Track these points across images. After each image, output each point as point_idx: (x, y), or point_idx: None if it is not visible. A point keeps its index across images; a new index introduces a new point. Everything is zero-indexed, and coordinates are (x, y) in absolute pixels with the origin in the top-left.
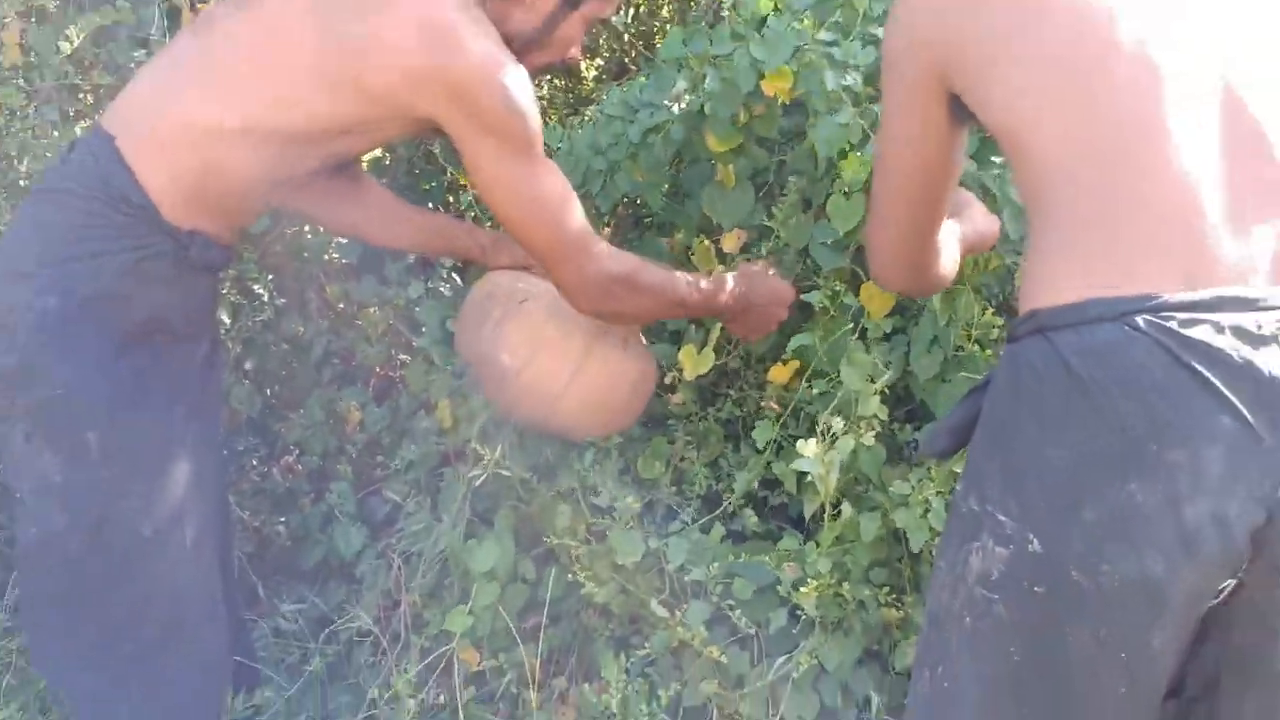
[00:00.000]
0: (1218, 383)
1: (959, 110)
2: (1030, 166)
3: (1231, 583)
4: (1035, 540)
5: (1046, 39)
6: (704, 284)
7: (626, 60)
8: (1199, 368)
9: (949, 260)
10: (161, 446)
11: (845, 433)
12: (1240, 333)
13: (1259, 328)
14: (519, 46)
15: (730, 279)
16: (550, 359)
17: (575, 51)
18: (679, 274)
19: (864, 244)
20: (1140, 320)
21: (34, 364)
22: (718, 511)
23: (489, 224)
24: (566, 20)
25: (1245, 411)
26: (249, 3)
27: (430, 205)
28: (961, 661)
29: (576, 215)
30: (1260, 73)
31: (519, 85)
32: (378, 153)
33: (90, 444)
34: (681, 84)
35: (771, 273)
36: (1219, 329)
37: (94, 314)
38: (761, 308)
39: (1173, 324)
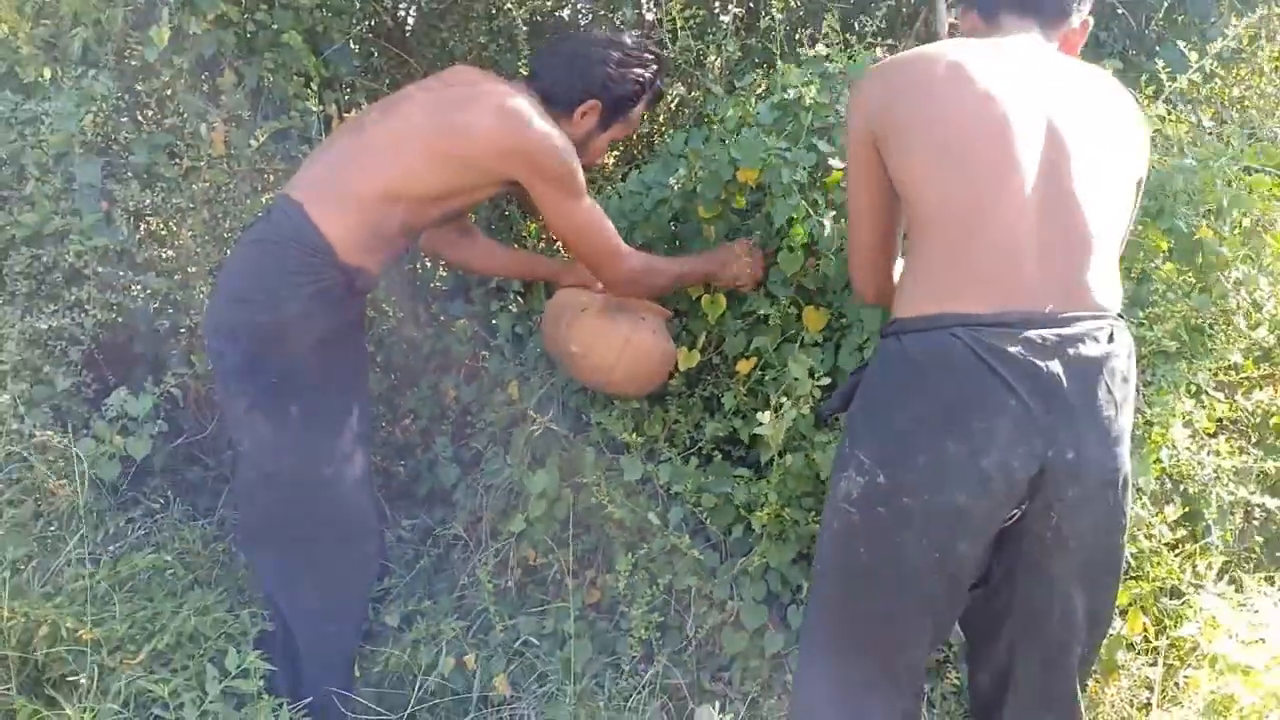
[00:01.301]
0: (1008, 376)
1: None
2: (914, 217)
3: (1018, 512)
4: (882, 475)
5: (935, 129)
6: (690, 261)
7: (635, 152)
8: (995, 365)
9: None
10: (339, 416)
11: (792, 406)
12: (1029, 343)
13: (1043, 341)
14: None
15: (703, 257)
16: (604, 346)
17: (601, 160)
18: (676, 259)
19: (849, 272)
20: (960, 331)
21: (254, 361)
22: (694, 449)
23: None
24: (598, 137)
25: (1026, 397)
26: (387, 109)
27: None
28: (829, 554)
29: (611, 234)
30: (1082, 151)
31: (568, 151)
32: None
33: (293, 414)
34: (682, 171)
35: (738, 251)
36: (1014, 340)
37: (294, 327)
38: (735, 263)
39: (981, 334)
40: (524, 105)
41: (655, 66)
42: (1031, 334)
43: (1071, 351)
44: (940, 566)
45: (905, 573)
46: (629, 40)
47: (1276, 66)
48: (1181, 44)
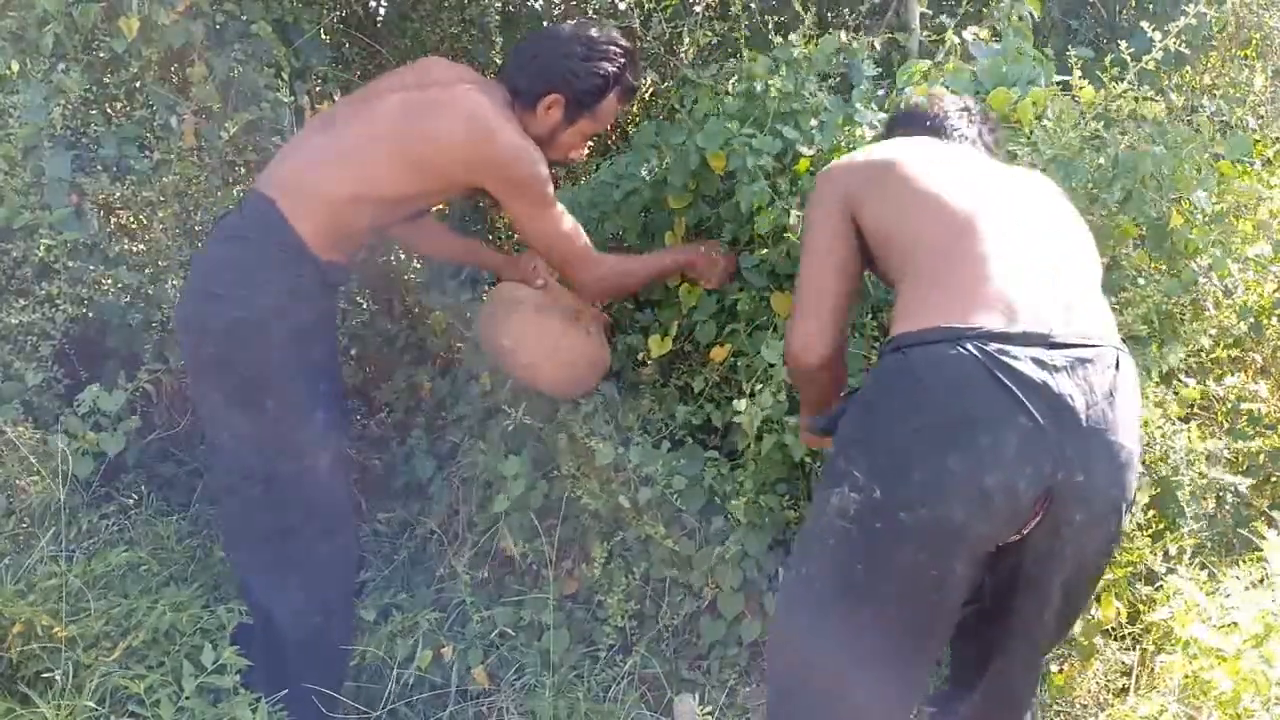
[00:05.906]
0: (1018, 392)
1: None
2: (894, 255)
3: (1018, 535)
4: (878, 490)
5: (911, 183)
6: (660, 257)
7: (608, 143)
8: (1005, 380)
9: (845, 369)
10: (314, 408)
11: (761, 391)
12: (1039, 361)
13: (1051, 360)
14: None
15: (673, 250)
16: (534, 343)
17: (575, 155)
18: (644, 256)
19: (787, 333)
20: (969, 344)
21: (228, 356)
22: (666, 433)
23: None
24: (565, 132)
25: (1036, 414)
26: (358, 108)
27: None
28: (821, 567)
29: (581, 239)
30: (1043, 217)
31: (536, 159)
32: (441, 208)
33: (269, 408)
34: (653, 161)
35: (707, 248)
36: (1024, 356)
37: (269, 322)
38: (706, 262)
39: (990, 348)
40: (493, 113)
41: (623, 60)
42: (1038, 352)
43: (1082, 373)
44: (938, 585)
45: (902, 590)
46: (595, 33)
47: (1247, 55)
48: (1146, 25)
